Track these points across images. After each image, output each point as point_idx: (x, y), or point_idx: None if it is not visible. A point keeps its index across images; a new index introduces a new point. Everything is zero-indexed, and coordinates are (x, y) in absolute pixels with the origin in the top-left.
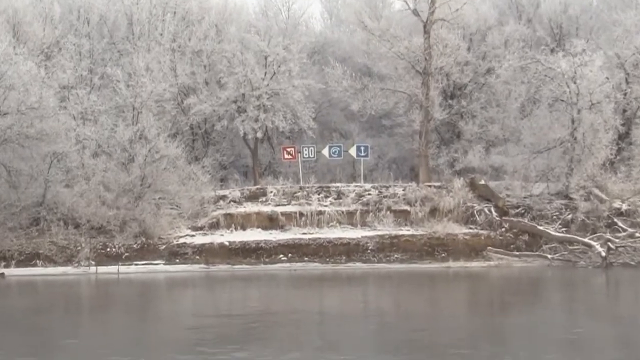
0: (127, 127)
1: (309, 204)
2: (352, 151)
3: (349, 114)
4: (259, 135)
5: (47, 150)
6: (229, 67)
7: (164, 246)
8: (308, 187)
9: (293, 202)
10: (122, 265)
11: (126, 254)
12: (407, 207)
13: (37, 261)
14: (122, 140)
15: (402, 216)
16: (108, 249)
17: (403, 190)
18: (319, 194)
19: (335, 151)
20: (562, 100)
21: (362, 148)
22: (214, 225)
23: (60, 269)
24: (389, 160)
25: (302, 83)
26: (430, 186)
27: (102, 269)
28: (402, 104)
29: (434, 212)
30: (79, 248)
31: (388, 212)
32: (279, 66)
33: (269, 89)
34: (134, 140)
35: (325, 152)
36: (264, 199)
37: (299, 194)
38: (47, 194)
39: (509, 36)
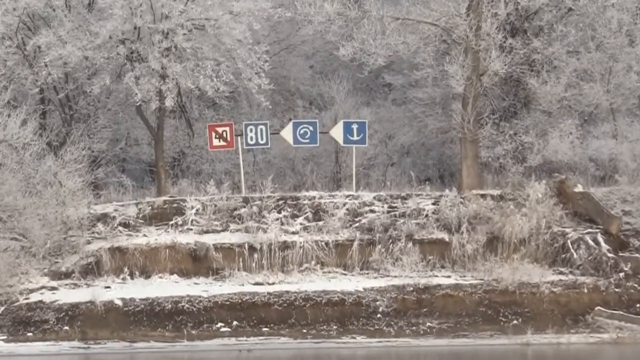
0: None
1: (264, 230)
2: (336, 132)
3: (330, 66)
4: (168, 103)
5: None
6: None
7: (1, 308)
8: (258, 199)
9: (233, 225)
10: None
11: None
12: (444, 236)
13: None
14: None
15: (435, 251)
16: None
17: (433, 203)
18: (279, 212)
19: (306, 132)
20: None
21: (355, 127)
22: (91, 270)
23: None
24: (399, 148)
25: (249, 7)
26: (483, 196)
27: None
28: (429, 48)
29: (493, 243)
30: None
31: (409, 245)
32: None
33: (187, 19)
34: None
35: (288, 133)
36: (179, 219)
37: (243, 211)
38: None
39: None
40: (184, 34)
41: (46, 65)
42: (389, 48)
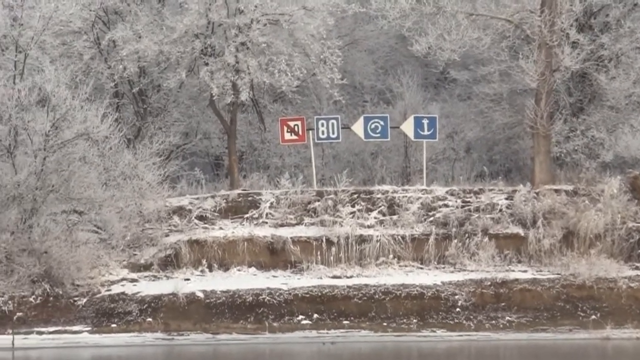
0: (8, 82)
1: (339, 224)
2: (407, 127)
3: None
4: (243, 97)
5: None
6: None
7: (84, 299)
8: (333, 193)
9: (307, 219)
10: (16, 333)
11: (19, 314)
12: (520, 230)
13: None
14: (0, 106)
15: (511, 245)
16: None
17: (507, 198)
18: (353, 205)
19: (377, 127)
20: None
21: (425, 122)
22: (170, 262)
23: None
24: (466, 143)
25: (323, 2)
26: (557, 191)
27: None
28: (503, 44)
29: (568, 238)
30: None
31: (485, 239)
32: None
33: (262, 14)
34: (24, 107)
35: (359, 127)
36: (254, 213)
37: (318, 204)
38: None
39: None
40: (259, 29)
41: (122, 60)
42: (463, 44)
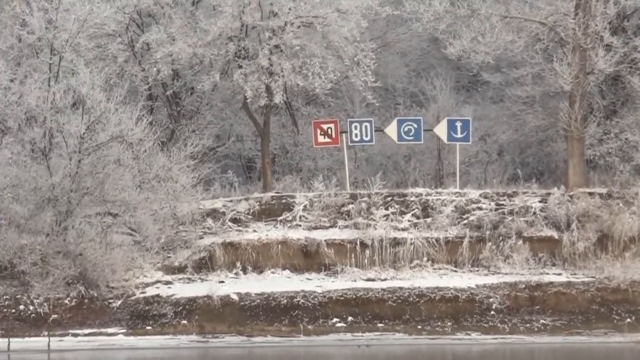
0: (43, 85)
1: (373, 226)
2: (440, 130)
3: (424, 64)
4: (277, 100)
5: None
6: None
7: (119, 301)
8: (366, 196)
9: (341, 222)
10: (51, 335)
11: (55, 316)
12: (554, 233)
13: None
14: (35, 108)
15: (545, 248)
16: (22, 307)
17: (540, 201)
18: (386, 208)
19: (410, 130)
20: None
21: (459, 124)
22: (204, 265)
23: None
24: (499, 146)
25: (356, 5)
26: (591, 194)
27: (17, 342)
28: (537, 46)
29: (603, 241)
30: None
31: (519, 242)
32: None
33: (296, 16)
34: (59, 109)
35: (392, 130)
36: (287, 215)
37: (351, 207)
38: None
39: None
40: (292, 32)
41: (156, 62)
42: (497, 46)
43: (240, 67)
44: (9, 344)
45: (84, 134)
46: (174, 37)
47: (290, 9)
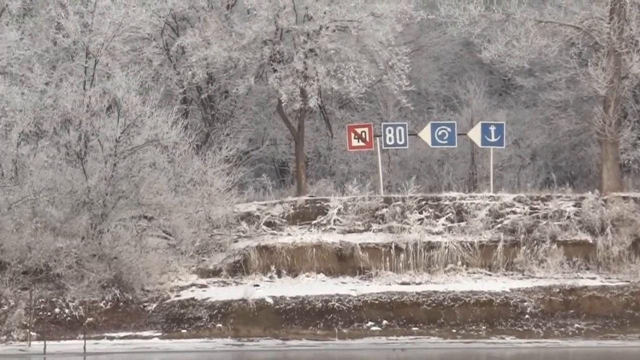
0: (79, 88)
1: (407, 230)
2: (474, 134)
3: (457, 68)
4: (312, 104)
5: None
6: None
7: (154, 304)
8: (400, 200)
9: (375, 225)
10: (87, 338)
11: (90, 319)
12: (588, 237)
13: None
14: (71, 112)
15: (579, 252)
16: (57, 310)
17: (575, 205)
18: (421, 212)
19: (444, 134)
20: None
21: (493, 129)
22: (239, 268)
23: None
24: (532, 150)
25: (391, 9)
26: (625, 198)
27: (53, 345)
28: (571, 51)
29: (637, 245)
30: (6, 308)
31: (554, 246)
32: None
33: (331, 20)
34: (94, 112)
35: (426, 134)
36: (322, 219)
37: (385, 211)
38: None
39: None
40: (327, 35)
41: (191, 66)
42: (532, 51)
43: (275, 70)
44: (45, 347)
45: (119, 137)
46: (209, 40)
47: (325, 12)
